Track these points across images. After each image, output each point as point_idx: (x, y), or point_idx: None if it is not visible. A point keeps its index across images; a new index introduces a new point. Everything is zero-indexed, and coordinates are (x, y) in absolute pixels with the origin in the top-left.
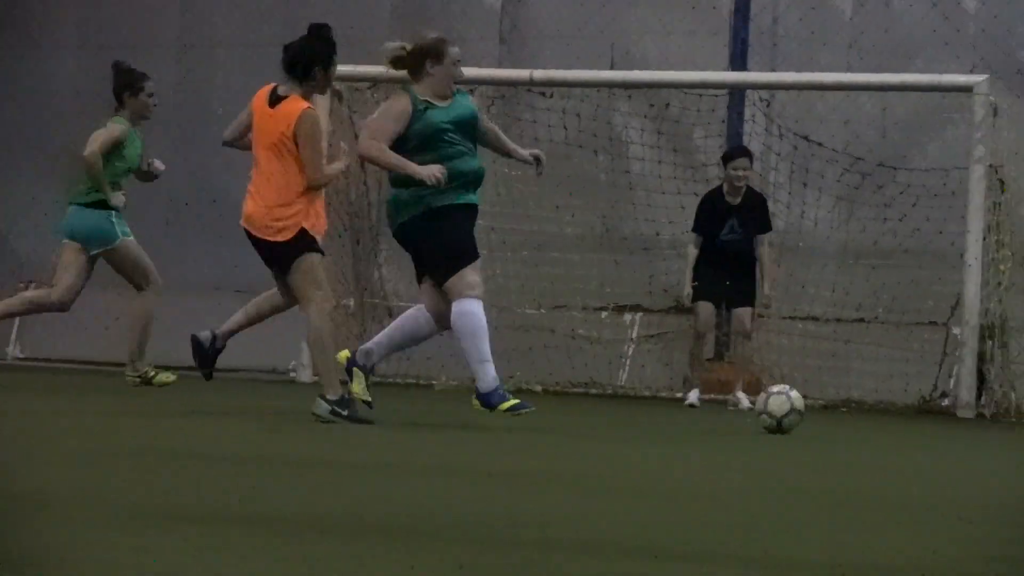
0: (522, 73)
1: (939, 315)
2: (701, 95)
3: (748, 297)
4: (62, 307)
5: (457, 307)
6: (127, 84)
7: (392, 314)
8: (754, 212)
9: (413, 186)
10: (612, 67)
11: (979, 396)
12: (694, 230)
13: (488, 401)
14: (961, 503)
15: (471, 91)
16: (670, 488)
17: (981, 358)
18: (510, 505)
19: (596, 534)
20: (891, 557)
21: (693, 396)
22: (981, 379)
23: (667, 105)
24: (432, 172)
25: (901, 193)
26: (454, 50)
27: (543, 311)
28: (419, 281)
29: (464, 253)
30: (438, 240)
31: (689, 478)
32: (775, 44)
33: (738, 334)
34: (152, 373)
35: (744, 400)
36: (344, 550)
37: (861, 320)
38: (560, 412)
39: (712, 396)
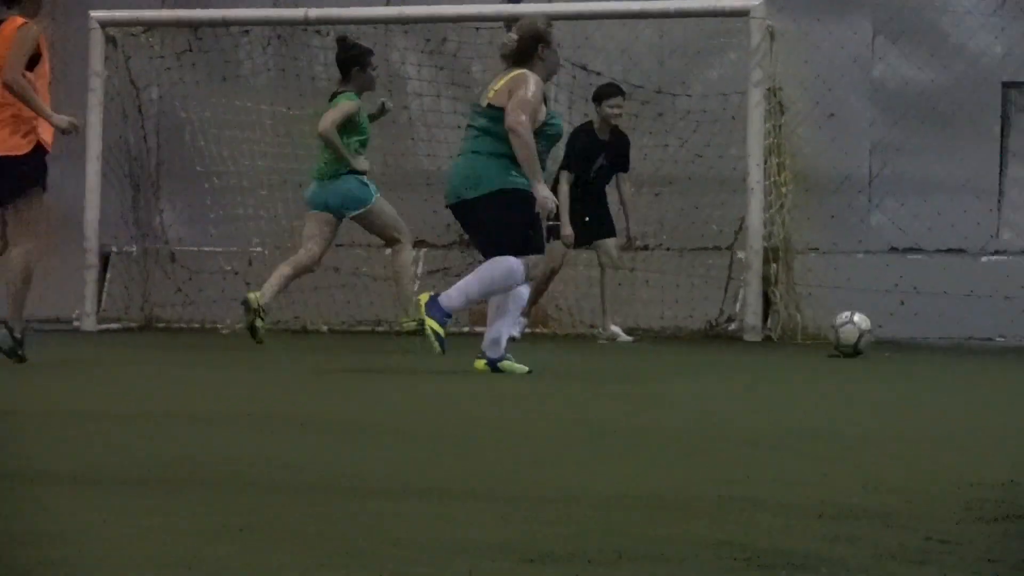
0: (297, 12)
1: (723, 240)
2: (478, 28)
3: (611, 228)
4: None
5: (503, 261)
6: (355, 59)
7: (175, 258)
8: (621, 150)
9: (514, 168)
10: (388, 3)
11: (766, 319)
12: (565, 168)
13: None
14: (739, 430)
15: (246, 32)
16: (455, 428)
17: (766, 281)
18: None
19: (362, 477)
20: (674, 485)
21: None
22: (767, 302)
23: (444, 40)
24: (547, 203)
25: (681, 119)
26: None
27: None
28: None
29: (536, 243)
30: (518, 220)
31: (483, 415)
32: None
33: (607, 266)
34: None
35: (622, 333)
36: (142, 502)
37: (646, 247)
38: (346, 351)
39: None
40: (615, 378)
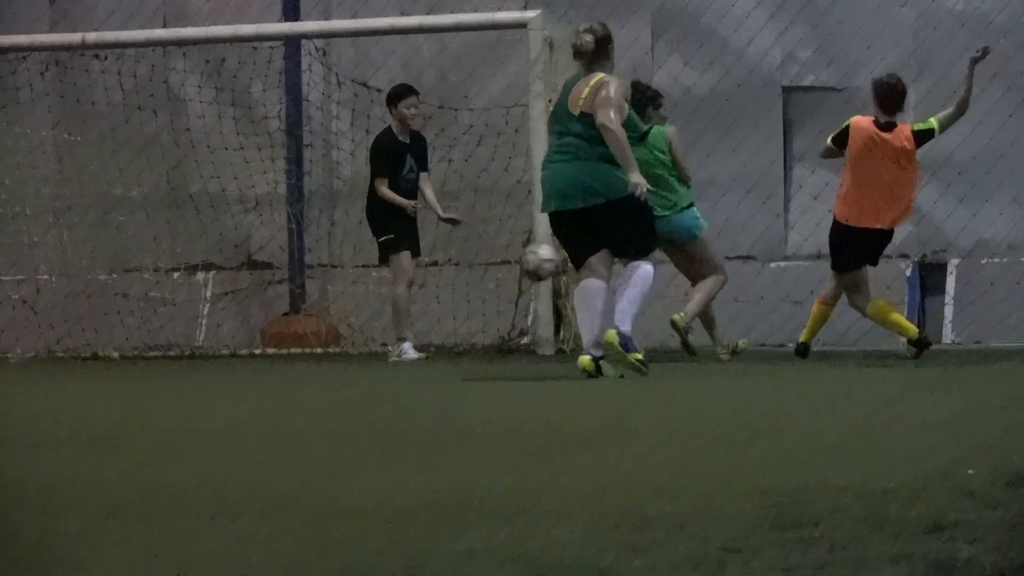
0: (74, 37)
1: (512, 253)
2: (256, 48)
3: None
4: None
5: (645, 268)
6: (651, 99)
7: None
8: (422, 151)
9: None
10: (165, 25)
11: (557, 331)
12: (379, 175)
13: (627, 345)
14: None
15: (24, 58)
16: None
17: (556, 294)
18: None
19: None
20: (474, 495)
21: (409, 349)
22: (558, 315)
23: (223, 60)
24: (640, 188)
25: (464, 133)
26: None
27: (114, 275)
28: (581, 260)
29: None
30: (648, 220)
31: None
32: None
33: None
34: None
35: (412, 351)
36: None
37: (435, 263)
38: (136, 377)
39: (289, 350)
40: (410, 390)
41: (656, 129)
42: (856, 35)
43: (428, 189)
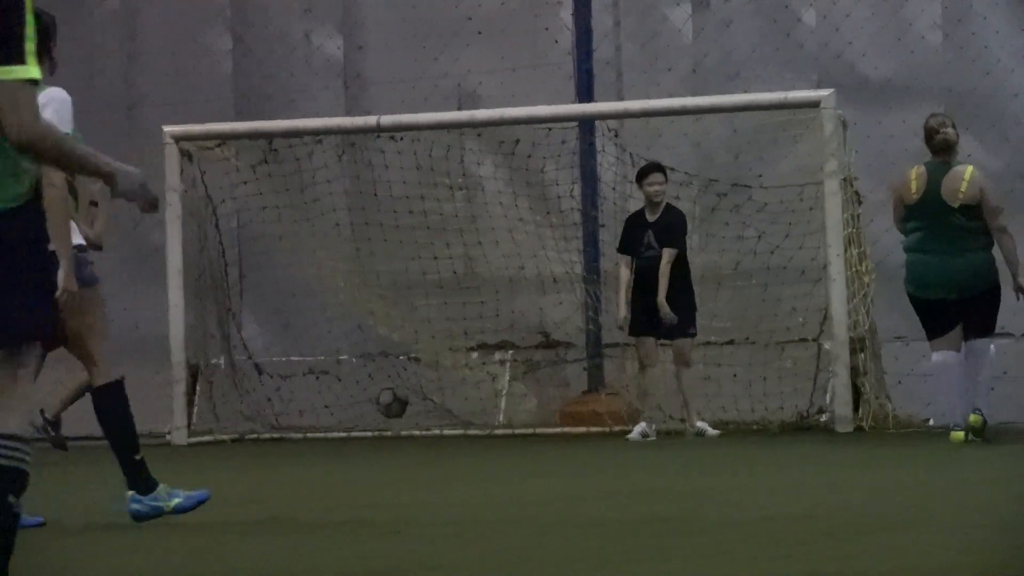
0: (369, 120)
1: (809, 331)
2: (550, 129)
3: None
4: None
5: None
6: None
7: (261, 370)
8: (670, 226)
9: None
10: (459, 107)
11: (856, 409)
12: (619, 250)
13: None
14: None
15: (319, 141)
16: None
17: (854, 371)
18: None
19: None
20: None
21: (636, 431)
22: (856, 392)
23: (517, 141)
24: None
25: (758, 211)
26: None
27: (413, 356)
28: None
29: None
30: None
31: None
32: (620, 73)
33: (679, 363)
34: None
35: (708, 428)
36: None
37: (730, 342)
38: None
39: (588, 429)
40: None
41: None
42: None
43: (663, 262)
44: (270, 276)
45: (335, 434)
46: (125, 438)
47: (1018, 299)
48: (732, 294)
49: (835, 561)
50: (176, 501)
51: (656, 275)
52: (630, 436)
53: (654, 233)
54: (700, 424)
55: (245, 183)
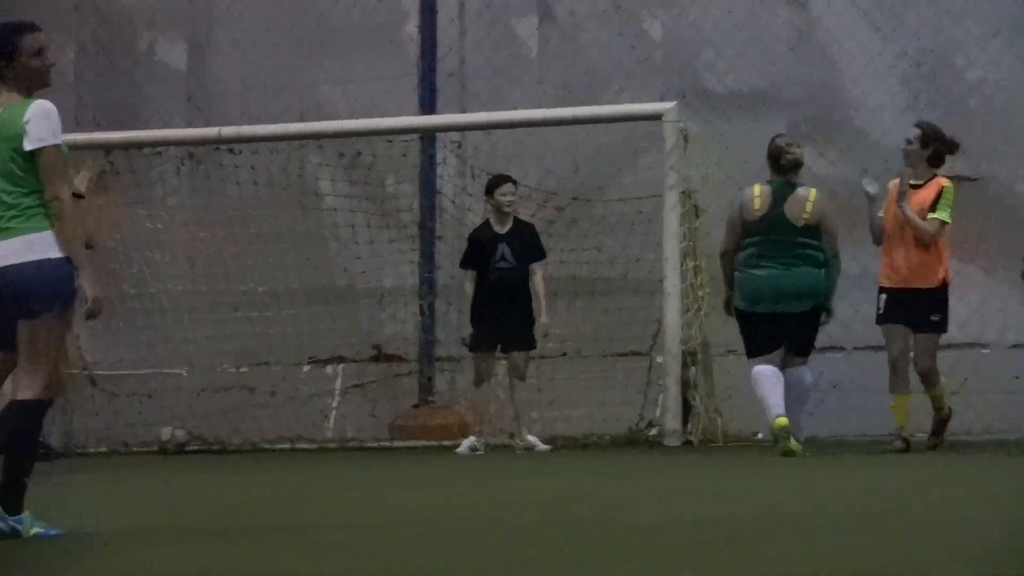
0: (210, 131)
1: (642, 344)
2: (392, 141)
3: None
4: None
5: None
6: None
7: (95, 383)
8: (525, 239)
9: None
10: (301, 119)
11: (686, 423)
12: (463, 267)
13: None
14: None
15: (159, 153)
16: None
17: (685, 385)
18: None
19: None
20: None
21: (469, 442)
22: (687, 406)
23: (358, 154)
24: None
25: (597, 224)
26: None
27: (244, 369)
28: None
29: None
30: None
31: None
32: (464, 85)
33: (515, 376)
34: None
35: (539, 443)
36: None
37: (564, 355)
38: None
39: (419, 442)
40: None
41: None
42: (992, 126)
43: (537, 277)
44: (109, 289)
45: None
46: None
47: (824, 322)
48: (566, 307)
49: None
50: (35, 530)
51: (510, 288)
52: (459, 450)
53: (508, 246)
54: (530, 438)
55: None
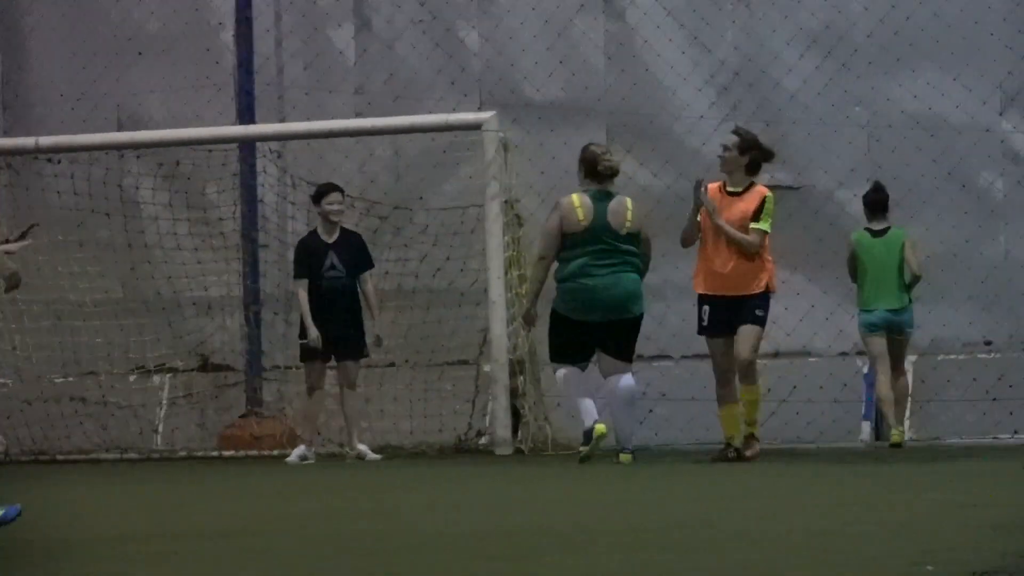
0: (27, 141)
1: (469, 353)
2: (211, 151)
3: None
4: None
5: (629, 378)
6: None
7: None
8: (354, 248)
9: None
10: (119, 128)
11: (515, 432)
12: (295, 276)
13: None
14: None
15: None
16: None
17: (513, 394)
18: None
19: None
20: None
21: (294, 454)
22: (516, 415)
23: (177, 163)
24: None
25: (420, 233)
26: None
27: (71, 379)
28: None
29: None
30: None
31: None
32: (281, 95)
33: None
34: None
35: (369, 452)
36: None
37: (391, 364)
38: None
39: (247, 452)
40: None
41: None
42: (810, 135)
43: (368, 286)
44: None
45: None
46: None
47: None
48: (394, 316)
49: None
50: None
51: (341, 297)
52: (289, 459)
53: (337, 255)
54: (361, 447)
55: None
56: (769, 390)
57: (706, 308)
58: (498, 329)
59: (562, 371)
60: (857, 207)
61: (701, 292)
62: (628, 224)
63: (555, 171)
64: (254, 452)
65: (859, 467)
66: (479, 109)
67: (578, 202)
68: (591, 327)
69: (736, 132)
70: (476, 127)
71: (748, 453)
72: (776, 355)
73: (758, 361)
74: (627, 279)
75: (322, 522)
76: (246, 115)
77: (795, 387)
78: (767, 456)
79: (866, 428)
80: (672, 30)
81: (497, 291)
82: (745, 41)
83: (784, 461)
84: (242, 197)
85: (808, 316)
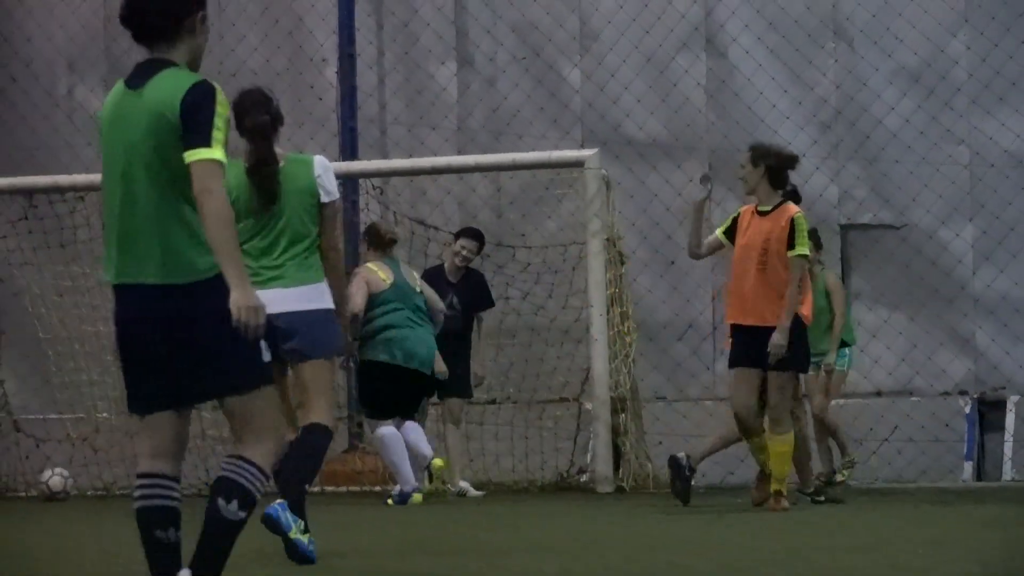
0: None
1: (570, 390)
2: None
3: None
4: None
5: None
6: None
7: (19, 427)
8: (473, 288)
9: None
10: None
11: (617, 469)
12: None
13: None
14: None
15: (82, 198)
16: None
17: (615, 431)
18: None
19: None
20: None
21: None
22: (617, 452)
23: None
24: None
25: (522, 271)
26: None
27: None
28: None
29: None
30: None
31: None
32: (383, 132)
33: (451, 422)
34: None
35: (471, 488)
36: None
37: (493, 402)
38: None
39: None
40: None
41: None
42: (912, 173)
43: (484, 324)
44: (31, 334)
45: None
46: None
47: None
48: (496, 353)
49: None
50: None
51: (454, 336)
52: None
53: (457, 295)
54: (463, 484)
55: (4, 238)
56: (872, 429)
57: (733, 339)
58: (599, 366)
59: (382, 429)
60: (959, 246)
61: (730, 322)
62: (417, 286)
63: (656, 208)
64: (355, 487)
65: (960, 507)
66: (580, 146)
67: (375, 267)
68: (408, 375)
69: (749, 148)
70: (578, 164)
71: (772, 508)
72: (879, 394)
73: (859, 401)
74: (424, 332)
75: (421, 557)
76: (348, 151)
77: (896, 427)
78: (866, 494)
79: (968, 468)
80: (773, 68)
81: (599, 328)
82: (846, 79)
83: (884, 500)
84: (346, 233)
85: (909, 355)
